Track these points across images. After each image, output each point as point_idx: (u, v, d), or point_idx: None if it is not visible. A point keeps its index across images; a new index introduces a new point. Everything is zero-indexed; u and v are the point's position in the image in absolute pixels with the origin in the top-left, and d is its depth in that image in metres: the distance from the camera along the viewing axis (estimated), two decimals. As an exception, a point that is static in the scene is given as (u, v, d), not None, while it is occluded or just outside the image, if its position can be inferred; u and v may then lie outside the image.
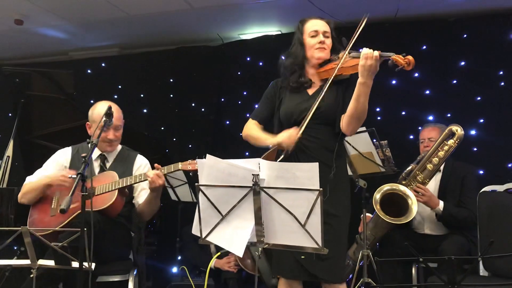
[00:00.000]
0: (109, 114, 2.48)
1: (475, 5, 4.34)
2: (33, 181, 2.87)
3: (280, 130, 2.47)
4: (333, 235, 2.28)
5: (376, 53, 2.16)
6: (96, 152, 2.95)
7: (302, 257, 2.28)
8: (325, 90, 2.36)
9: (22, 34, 5.24)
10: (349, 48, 2.37)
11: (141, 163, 2.99)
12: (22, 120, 4.15)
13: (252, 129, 2.57)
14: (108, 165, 2.95)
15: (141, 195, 2.91)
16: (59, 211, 2.05)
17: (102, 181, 2.76)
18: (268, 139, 2.43)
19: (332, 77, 2.37)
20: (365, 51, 2.17)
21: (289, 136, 2.34)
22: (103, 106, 2.89)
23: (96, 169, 2.92)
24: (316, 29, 2.47)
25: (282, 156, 2.38)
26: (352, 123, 2.33)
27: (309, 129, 2.39)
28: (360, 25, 2.37)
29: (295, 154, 2.40)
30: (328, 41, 2.48)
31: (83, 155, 2.21)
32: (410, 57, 2.17)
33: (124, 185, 2.72)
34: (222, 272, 3.71)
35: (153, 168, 2.74)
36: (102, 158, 2.96)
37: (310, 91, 2.49)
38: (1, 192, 3.62)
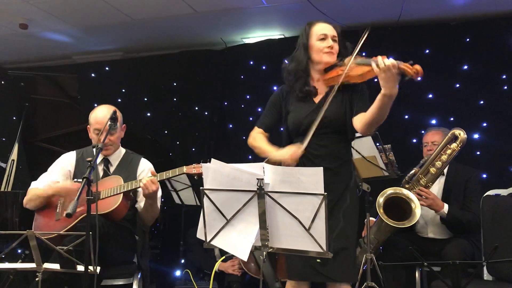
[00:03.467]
0: (113, 118, 2.49)
1: (478, 9, 4.34)
2: (39, 187, 2.87)
3: (288, 140, 2.49)
4: (344, 236, 2.29)
5: (394, 61, 2.10)
6: (100, 156, 2.94)
7: (318, 261, 2.27)
8: (330, 100, 2.35)
9: (27, 38, 5.26)
10: (354, 55, 2.34)
11: (144, 167, 2.99)
12: (26, 124, 4.17)
13: (257, 139, 2.53)
14: (112, 169, 2.96)
15: (143, 200, 2.91)
16: (65, 215, 2.06)
17: (107, 185, 2.77)
18: (271, 153, 2.40)
19: (338, 85, 2.34)
20: (381, 62, 2.10)
21: (291, 155, 2.31)
22: (100, 110, 2.91)
23: (100, 173, 2.93)
24: (325, 33, 2.42)
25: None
26: (372, 126, 2.30)
27: (316, 138, 2.38)
28: (365, 34, 2.34)
29: (302, 164, 2.38)
30: (336, 46, 2.44)
31: (89, 159, 2.21)
32: (417, 67, 2.13)
33: (129, 189, 2.73)
34: (226, 275, 3.71)
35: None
36: (106, 162, 2.96)
37: (316, 99, 2.46)
38: (6, 196, 3.63)
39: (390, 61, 2.09)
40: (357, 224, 2.43)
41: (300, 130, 2.44)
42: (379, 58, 2.12)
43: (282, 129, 2.61)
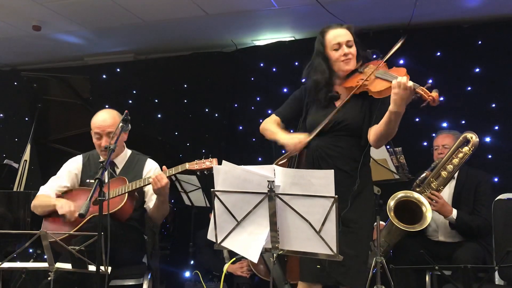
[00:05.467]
0: (125, 119, 2.50)
1: (490, 11, 4.32)
2: (47, 194, 2.90)
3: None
4: (355, 241, 2.29)
5: (411, 83, 2.10)
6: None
7: (318, 266, 2.28)
8: (346, 103, 2.36)
9: (40, 40, 5.33)
10: (377, 67, 2.34)
11: (151, 167, 3.00)
12: (39, 125, 4.20)
13: (268, 123, 2.58)
14: (117, 171, 2.97)
15: (152, 199, 2.92)
16: (78, 215, 2.08)
17: (112, 186, 2.78)
18: (277, 134, 2.44)
19: (353, 92, 2.35)
20: (399, 79, 2.11)
21: (295, 143, 2.34)
22: (100, 114, 2.93)
23: (106, 176, 2.94)
24: (338, 41, 2.40)
25: (285, 156, 2.39)
26: (381, 141, 2.34)
27: (333, 138, 2.40)
28: (395, 46, 2.35)
29: (317, 162, 2.41)
30: (353, 50, 2.42)
31: (101, 160, 2.23)
32: (434, 94, 2.12)
33: (133, 188, 2.74)
34: (234, 277, 3.72)
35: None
36: (111, 165, 2.96)
37: (337, 103, 2.46)
38: (18, 196, 3.67)
39: (409, 82, 2.10)
40: (371, 229, 2.42)
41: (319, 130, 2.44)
42: (400, 77, 2.13)
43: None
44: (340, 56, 2.40)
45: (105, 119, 2.88)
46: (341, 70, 2.43)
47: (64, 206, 2.75)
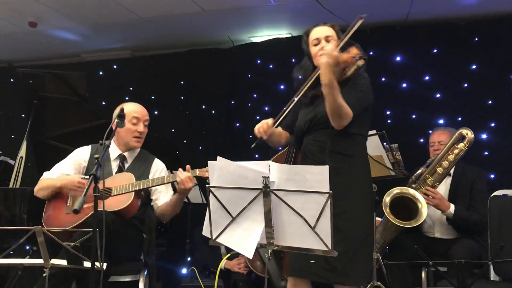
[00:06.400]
0: (121, 116, 2.50)
1: (486, 8, 4.32)
2: (50, 177, 2.90)
3: (296, 140, 2.56)
4: (345, 237, 2.25)
5: (335, 52, 2.18)
6: (116, 152, 2.97)
7: (312, 261, 2.28)
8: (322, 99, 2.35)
9: (36, 36, 5.31)
10: (340, 45, 2.33)
11: (158, 167, 3.01)
12: (35, 121, 4.19)
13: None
14: (126, 165, 2.97)
15: (161, 197, 2.92)
16: (72, 211, 2.08)
17: (118, 182, 2.79)
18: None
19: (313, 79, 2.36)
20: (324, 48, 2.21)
21: (259, 126, 2.39)
22: (129, 106, 2.98)
23: (114, 169, 2.94)
24: (317, 37, 2.45)
25: (255, 144, 2.40)
26: (334, 119, 2.30)
27: (313, 134, 2.43)
28: (353, 26, 2.32)
29: (302, 159, 2.42)
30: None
31: (96, 156, 2.23)
32: (354, 51, 2.23)
33: (142, 187, 2.74)
34: (231, 273, 3.72)
35: (184, 169, 2.73)
36: (122, 158, 2.97)
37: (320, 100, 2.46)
38: (14, 192, 3.66)
39: (326, 49, 2.22)
40: (367, 226, 2.38)
41: (299, 133, 2.51)
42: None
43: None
44: (318, 51, 2.41)
45: (142, 107, 3.02)
46: (318, 64, 2.39)
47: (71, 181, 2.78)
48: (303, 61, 2.56)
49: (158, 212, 2.94)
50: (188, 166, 2.73)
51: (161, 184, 2.77)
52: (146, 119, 3.04)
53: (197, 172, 2.70)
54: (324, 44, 2.42)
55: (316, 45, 2.45)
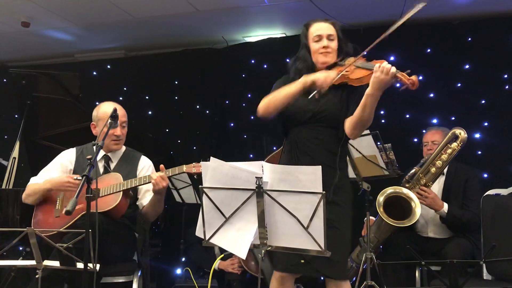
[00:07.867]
0: (114, 116, 2.50)
1: (480, 8, 4.34)
2: (37, 182, 2.89)
3: (284, 129, 2.51)
4: (336, 234, 2.27)
5: (394, 69, 2.13)
6: (101, 153, 2.95)
7: (302, 261, 2.28)
8: (324, 94, 2.36)
9: (29, 36, 5.28)
10: (357, 58, 2.33)
11: (144, 164, 3.00)
12: (28, 122, 4.17)
13: (269, 96, 2.49)
14: (112, 165, 2.96)
15: (146, 196, 2.91)
16: (64, 213, 2.06)
17: (106, 182, 2.78)
18: (297, 83, 2.37)
19: (333, 82, 2.33)
20: (383, 64, 2.15)
21: (325, 77, 2.31)
22: (107, 105, 2.91)
23: (100, 169, 2.93)
24: (319, 34, 2.44)
25: (313, 94, 2.33)
26: (357, 129, 2.34)
27: (312, 131, 2.41)
28: (381, 38, 2.29)
29: (295, 155, 2.41)
30: (333, 44, 2.44)
31: (89, 157, 2.22)
32: (414, 78, 2.14)
33: (129, 187, 2.73)
34: (225, 273, 3.72)
35: (158, 169, 2.74)
36: (106, 158, 2.96)
37: (318, 94, 2.44)
38: (7, 193, 3.64)
39: (388, 66, 2.14)
40: (349, 223, 2.41)
41: (295, 120, 2.45)
42: (381, 63, 2.15)
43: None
44: (319, 48, 2.42)
45: (120, 107, 2.88)
46: (319, 62, 2.43)
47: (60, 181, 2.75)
48: (301, 53, 2.51)
49: (143, 212, 2.93)
50: (162, 166, 2.72)
51: (148, 183, 2.75)
52: (124, 120, 2.92)
53: (184, 168, 2.69)
54: (326, 43, 2.41)
55: (317, 41, 2.44)
